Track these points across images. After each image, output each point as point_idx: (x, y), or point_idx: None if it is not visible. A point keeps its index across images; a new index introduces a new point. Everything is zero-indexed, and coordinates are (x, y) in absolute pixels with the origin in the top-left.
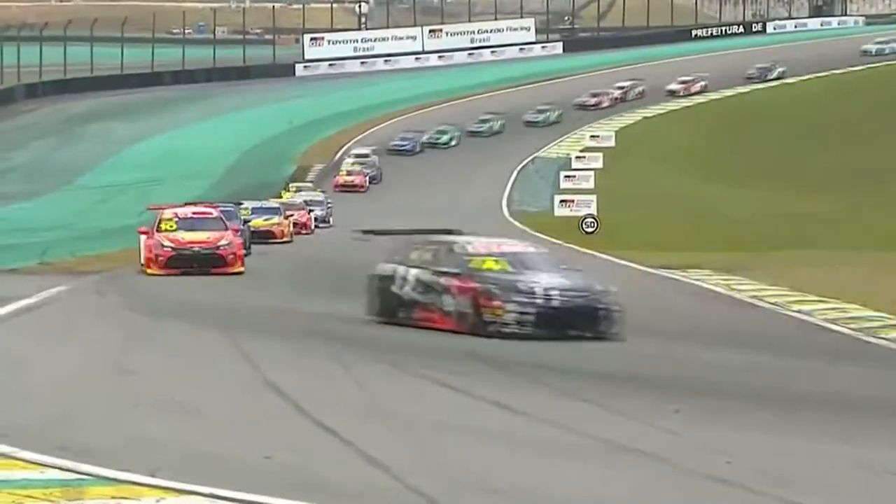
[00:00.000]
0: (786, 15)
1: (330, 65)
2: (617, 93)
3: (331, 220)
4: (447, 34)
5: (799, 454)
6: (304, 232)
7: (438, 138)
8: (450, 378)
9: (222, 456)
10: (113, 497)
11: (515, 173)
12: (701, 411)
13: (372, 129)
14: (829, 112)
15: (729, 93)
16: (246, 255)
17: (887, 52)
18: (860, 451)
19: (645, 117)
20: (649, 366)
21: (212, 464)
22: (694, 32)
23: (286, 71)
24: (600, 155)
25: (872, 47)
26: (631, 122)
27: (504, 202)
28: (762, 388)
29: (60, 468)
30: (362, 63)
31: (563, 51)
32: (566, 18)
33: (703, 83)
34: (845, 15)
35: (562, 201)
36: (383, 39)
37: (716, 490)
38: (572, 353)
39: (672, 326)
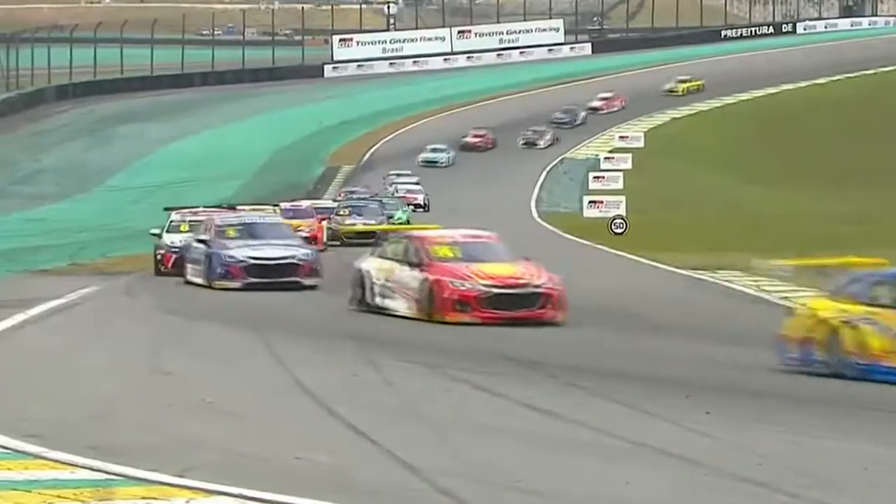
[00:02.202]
0: (816, 15)
1: (359, 66)
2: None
3: None
4: (476, 35)
5: (832, 455)
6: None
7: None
8: (479, 378)
9: (253, 456)
10: (143, 498)
11: (544, 174)
12: (730, 412)
13: (400, 131)
14: (862, 112)
15: (759, 93)
16: None
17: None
18: (891, 451)
19: (674, 118)
20: (675, 367)
21: (242, 464)
22: (723, 33)
23: (315, 72)
24: (629, 156)
25: None
26: (660, 122)
27: (533, 203)
28: (789, 388)
29: (91, 468)
30: (391, 64)
31: (592, 52)
32: (595, 19)
33: (622, 101)
34: (876, 15)
35: (591, 202)
36: (412, 40)
37: (750, 491)
38: (598, 353)
39: (696, 326)
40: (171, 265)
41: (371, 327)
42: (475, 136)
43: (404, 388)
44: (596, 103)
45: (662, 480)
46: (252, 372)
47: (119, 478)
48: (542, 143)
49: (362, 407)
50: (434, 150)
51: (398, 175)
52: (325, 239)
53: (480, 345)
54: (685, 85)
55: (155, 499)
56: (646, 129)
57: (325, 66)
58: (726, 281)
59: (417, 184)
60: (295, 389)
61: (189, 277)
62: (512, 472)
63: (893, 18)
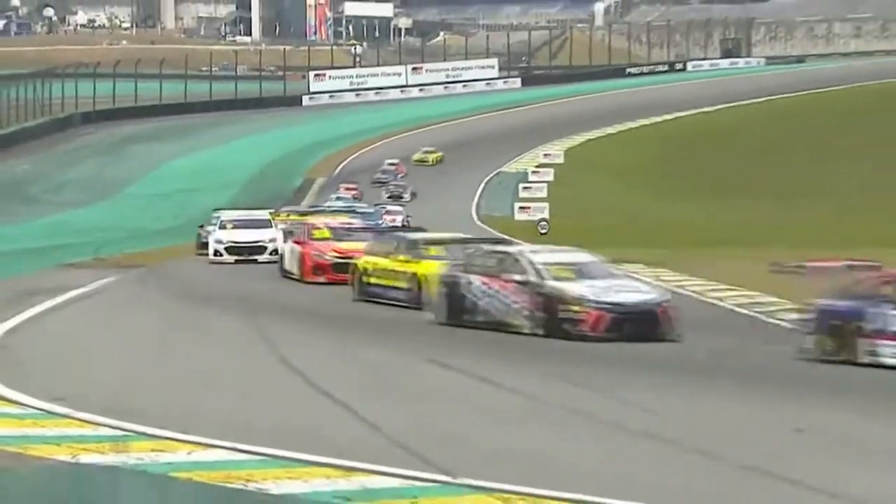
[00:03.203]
0: (702, 56)
1: (330, 96)
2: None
3: None
4: (426, 71)
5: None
6: None
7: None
8: (446, 359)
9: (242, 418)
10: (152, 450)
11: (482, 185)
12: (671, 386)
13: (365, 149)
14: (741, 135)
15: (657, 119)
16: None
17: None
18: (792, 413)
19: (588, 139)
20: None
21: (233, 423)
22: (628, 70)
23: (295, 101)
24: (552, 170)
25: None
26: (577, 143)
27: (473, 209)
28: (704, 365)
29: (109, 426)
30: (357, 95)
31: (522, 85)
32: (523, 58)
33: (439, 154)
34: (750, 56)
35: (520, 208)
36: (374, 75)
37: (696, 460)
38: (559, 341)
39: None
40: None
41: (351, 311)
42: (390, 163)
43: (377, 366)
44: (420, 155)
45: (590, 442)
46: (243, 350)
47: (132, 434)
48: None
49: (338, 379)
50: (388, 167)
51: (346, 189)
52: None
53: (447, 330)
54: (433, 155)
55: (162, 451)
56: (565, 148)
57: (303, 97)
58: (631, 273)
59: (399, 206)
60: (280, 365)
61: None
62: (464, 434)
63: (763, 59)
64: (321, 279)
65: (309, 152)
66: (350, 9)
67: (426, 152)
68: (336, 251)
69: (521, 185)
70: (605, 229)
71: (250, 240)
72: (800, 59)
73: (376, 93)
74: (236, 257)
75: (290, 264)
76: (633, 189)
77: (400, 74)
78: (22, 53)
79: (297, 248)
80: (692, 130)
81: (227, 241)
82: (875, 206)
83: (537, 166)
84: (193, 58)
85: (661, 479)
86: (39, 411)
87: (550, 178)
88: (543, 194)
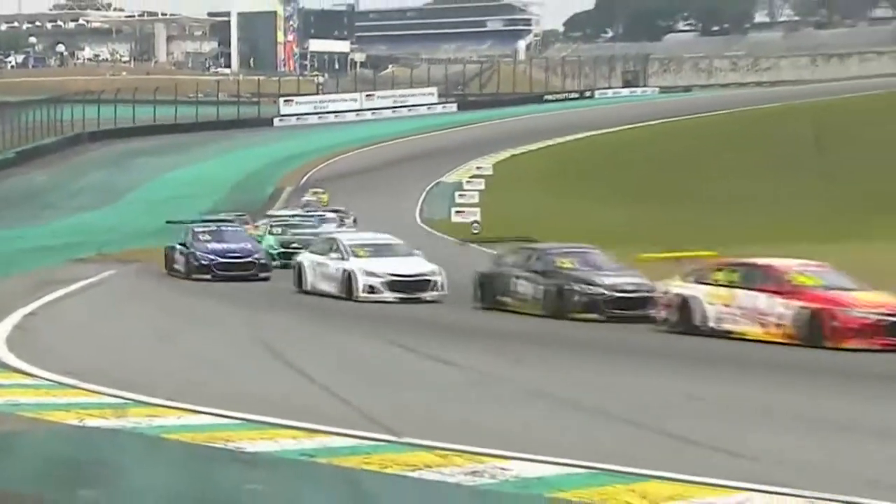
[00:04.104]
0: (606, 85)
1: (297, 118)
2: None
3: None
4: (378, 97)
5: (657, 391)
6: None
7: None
8: (404, 339)
9: (224, 388)
10: (147, 415)
11: (424, 193)
12: (589, 361)
13: (327, 162)
14: (640, 150)
15: (570, 138)
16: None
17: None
18: (662, 382)
19: (513, 154)
20: (522, 322)
21: (217, 393)
22: (545, 97)
23: (267, 123)
24: (483, 180)
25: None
26: (504, 157)
27: (417, 213)
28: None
29: (111, 395)
30: (319, 117)
31: (457, 109)
32: (459, 87)
33: (326, 197)
34: (647, 86)
35: (456, 212)
36: (334, 101)
37: (604, 423)
38: (496, 318)
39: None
40: None
41: (332, 305)
42: (315, 191)
43: (345, 347)
44: (307, 197)
45: (515, 408)
46: (228, 333)
47: (131, 401)
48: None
49: (309, 359)
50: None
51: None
52: None
53: (408, 315)
54: (324, 196)
55: (155, 416)
56: (494, 162)
57: (274, 119)
58: None
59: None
60: (260, 346)
61: None
62: (417, 403)
63: (657, 88)
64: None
65: (279, 165)
66: (313, 45)
67: (315, 193)
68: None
69: (457, 193)
70: (528, 228)
71: (412, 272)
72: (687, 89)
73: (336, 115)
74: (400, 295)
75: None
76: (551, 195)
77: (355, 100)
78: (38, 83)
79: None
80: (598, 147)
81: (385, 274)
82: (743, 211)
83: (471, 177)
84: (182, 86)
85: (572, 439)
86: (52, 382)
87: (482, 186)
88: (476, 200)
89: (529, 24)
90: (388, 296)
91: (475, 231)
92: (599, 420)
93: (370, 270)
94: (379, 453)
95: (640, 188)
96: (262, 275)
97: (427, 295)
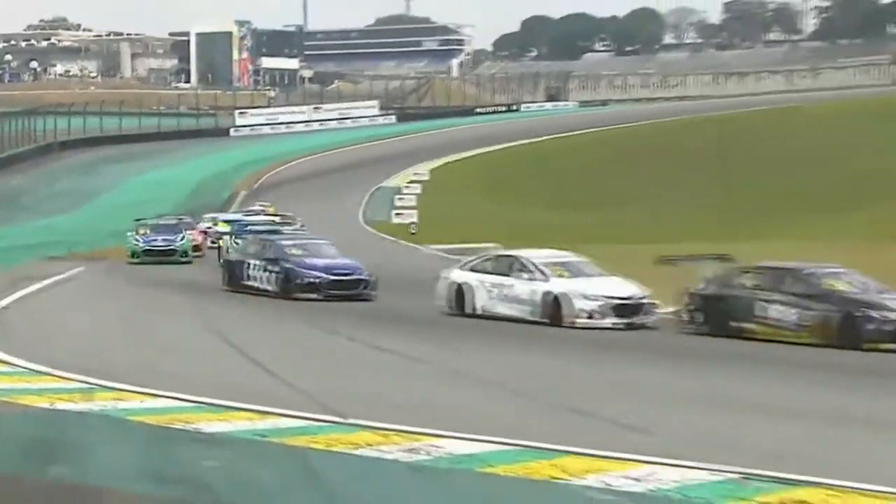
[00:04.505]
0: (531, 100)
1: (251, 129)
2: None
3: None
4: (325, 110)
5: (578, 376)
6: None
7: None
8: (346, 330)
9: (182, 375)
10: (113, 399)
11: (367, 196)
12: (526, 351)
13: (278, 169)
14: (562, 158)
15: (498, 147)
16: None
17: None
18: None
19: (447, 162)
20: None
21: (178, 377)
22: (476, 110)
23: (224, 133)
24: (420, 185)
25: None
26: (439, 164)
27: (360, 215)
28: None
29: (80, 381)
30: (271, 128)
31: (397, 121)
32: (398, 100)
33: (270, 207)
34: (567, 101)
35: (396, 214)
36: (284, 113)
37: (515, 400)
38: (405, 314)
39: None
40: None
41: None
42: (261, 204)
43: (292, 336)
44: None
45: (449, 390)
46: (183, 323)
47: (97, 386)
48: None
49: (259, 346)
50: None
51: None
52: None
53: (353, 309)
54: (270, 208)
55: (121, 399)
56: (430, 168)
57: (230, 129)
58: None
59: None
60: (215, 336)
61: None
62: (353, 385)
63: (577, 103)
64: None
65: (235, 171)
66: (266, 63)
67: (261, 206)
68: None
69: (396, 197)
70: (462, 229)
71: (624, 294)
72: (603, 103)
73: (286, 126)
74: (623, 321)
75: None
76: (482, 198)
77: (304, 112)
78: (13, 96)
79: None
80: (524, 155)
81: (599, 296)
82: (658, 212)
83: (409, 182)
84: (146, 99)
85: (501, 417)
86: (25, 369)
87: (419, 191)
88: (414, 203)
89: (462, 44)
90: (608, 322)
91: (413, 232)
92: (524, 401)
93: (586, 293)
94: (325, 433)
95: (562, 192)
96: (370, 292)
97: (645, 319)
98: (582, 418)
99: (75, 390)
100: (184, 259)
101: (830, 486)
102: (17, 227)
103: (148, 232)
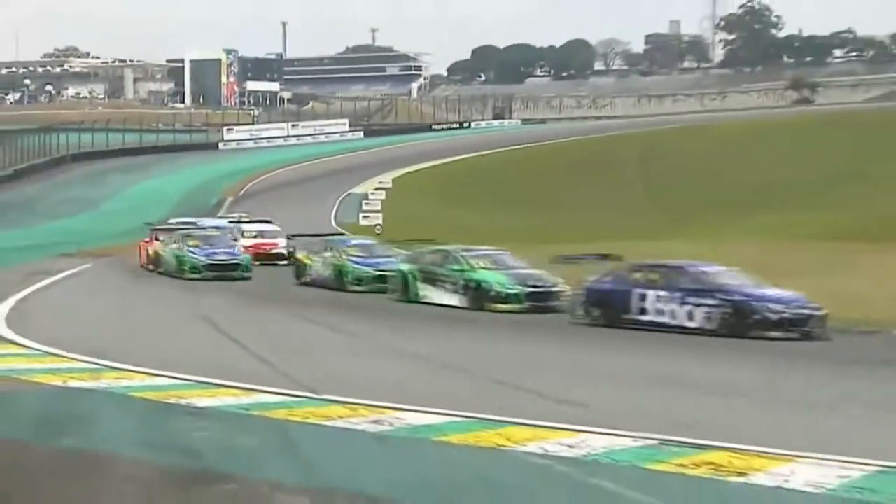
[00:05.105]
0: (480, 118)
1: (237, 143)
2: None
3: None
4: (301, 127)
5: (512, 354)
6: None
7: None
8: (314, 315)
9: (176, 356)
10: (116, 378)
11: (338, 202)
12: (422, 327)
13: (260, 178)
14: (506, 170)
15: (451, 159)
16: None
17: None
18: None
19: (408, 171)
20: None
21: (169, 360)
22: (432, 126)
23: (213, 146)
24: (384, 192)
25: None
26: (401, 174)
27: (332, 217)
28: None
29: (88, 362)
30: (255, 142)
31: (364, 136)
32: (365, 118)
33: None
34: (511, 118)
35: (363, 216)
36: (266, 129)
37: (466, 380)
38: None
39: None
40: None
41: (268, 290)
42: (240, 215)
43: (266, 321)
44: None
45: (399, 367)
46: (179, 310)
47: (104, 367)
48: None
49: (241, 331)
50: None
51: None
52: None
53: (320, 297)
54: (246, 217)
55: (123, 378)
56: (393, 177)
57: (219, 143)
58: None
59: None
60: (203, 321)
61: None
62: (324, 364)
63: (520, 120)
64: None
65: (223, 180)
66: (250, 86)
67: (240, 215)
68: None
69: (363, 202)
70: (420, 230)
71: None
72: (542, 121)
73: (268, 141)
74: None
75: None
76: (438, 203)
77: (283, 129)
78: (31, 115)
79: None
80: (475, 166)
81: (516, 285)
82: (589, 214)
83: (374, 189)
84: (146, 118)
85: (436, 389)
86: (41, 352)
87: (384, 196)
88: (378, 207)
89: (420, 70)
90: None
91: (378, 232)
92: (466, 378)
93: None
94: (300, 407)
95: (508, 198)
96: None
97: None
98: (515, 392)
99: (85, 370)
100: (246, 274)
101: (733, 450)
102: (32, 229)
103: (200, 244)
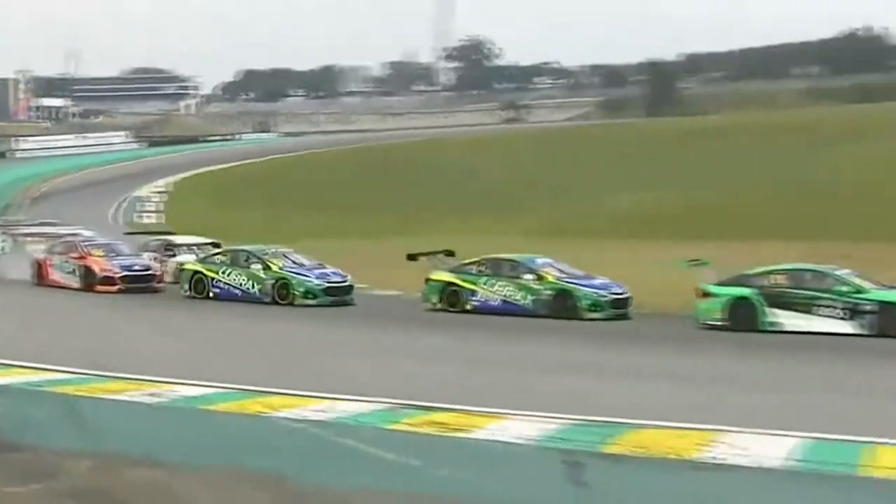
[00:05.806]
0: (247, 131)
1: (28, 152)
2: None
3: None
4: (88, 137)
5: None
6: None
7: None
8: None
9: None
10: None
11: (125, 203)
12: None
13: (50, 184)
14: (270, 178)
15: (224, 166)
16: None
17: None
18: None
19: (184, 177)
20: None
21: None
22: (201, 138)
23: (3, 155)
24: (162, 194)
25: None
26: (179, 179)
27: (109, 217)
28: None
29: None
30: (45, 151)
31: (148, 146)
32: (145, 130)
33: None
34: (273, 132)
35: (141, 216)
36: (57, 140)
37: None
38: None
39: None
40: None
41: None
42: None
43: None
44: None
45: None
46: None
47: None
48: None
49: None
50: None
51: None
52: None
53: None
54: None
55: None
56: (171, 181)
57: (7, 153)
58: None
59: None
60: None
61: None
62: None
63: (281, 133)
64: None
65: (14, 185)
66: (43, 101)
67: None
68: None
69: (139, 203)
70: (197, 228)
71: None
72: (300, 134)
73: (59, 150)
74: (333, 299)
75: None
76: (211, 205)
77: (71, 139)
78: None
79: None
80: (243, 172)
81: (314, 281)
82: (337, 213)
83: (152, 192)
84: None
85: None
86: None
87: (165, 199)
88: (155, 208)
89: (195, 89)
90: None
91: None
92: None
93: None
94: (87, 384)
95: (276, 198)
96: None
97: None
98: (299, 370)
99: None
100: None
101: (459, 411)
102: None
103: (300, 263)
